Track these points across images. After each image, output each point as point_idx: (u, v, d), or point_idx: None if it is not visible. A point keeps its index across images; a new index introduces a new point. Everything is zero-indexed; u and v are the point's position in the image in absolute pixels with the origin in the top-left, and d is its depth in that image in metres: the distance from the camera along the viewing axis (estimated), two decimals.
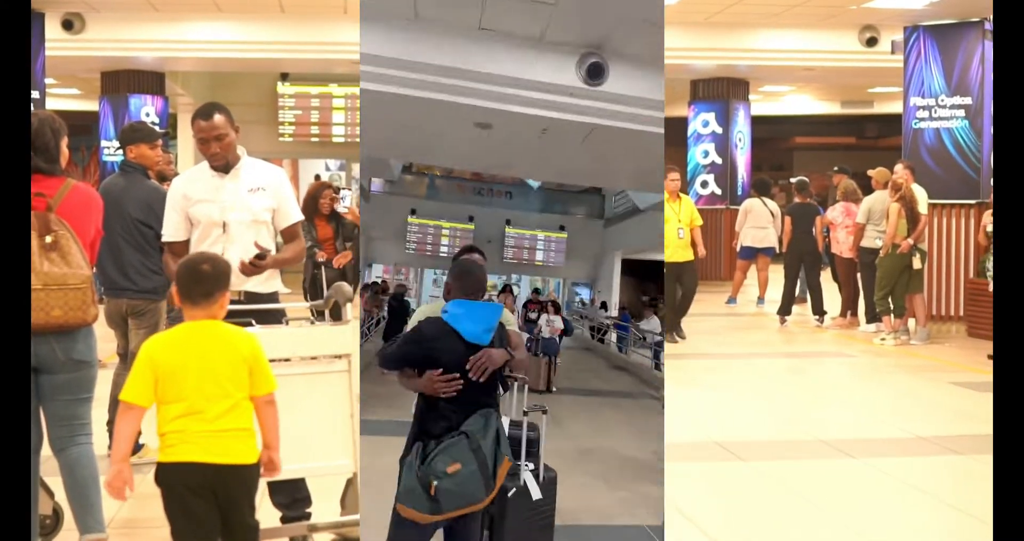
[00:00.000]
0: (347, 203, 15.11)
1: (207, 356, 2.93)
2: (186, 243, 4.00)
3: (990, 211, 8.90)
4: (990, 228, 8.66)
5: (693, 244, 9.27)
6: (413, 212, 19.62)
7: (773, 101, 19.81)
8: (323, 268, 7.62)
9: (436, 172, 19.71)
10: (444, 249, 20.21)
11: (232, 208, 3.91)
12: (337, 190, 7.93)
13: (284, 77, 16.80)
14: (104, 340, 3.93)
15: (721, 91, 15.18)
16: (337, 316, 3.88)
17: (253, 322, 3.56)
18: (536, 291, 18.36)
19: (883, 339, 9.58)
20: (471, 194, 20.40)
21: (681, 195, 9.30)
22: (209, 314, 3.01)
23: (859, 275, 10.53)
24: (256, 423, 3.02)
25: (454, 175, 19.85)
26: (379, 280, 20.53)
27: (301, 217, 4.15)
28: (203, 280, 3.00)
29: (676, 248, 9.02)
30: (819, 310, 10.86)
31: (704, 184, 15.13)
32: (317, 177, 18.64)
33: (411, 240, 19.92)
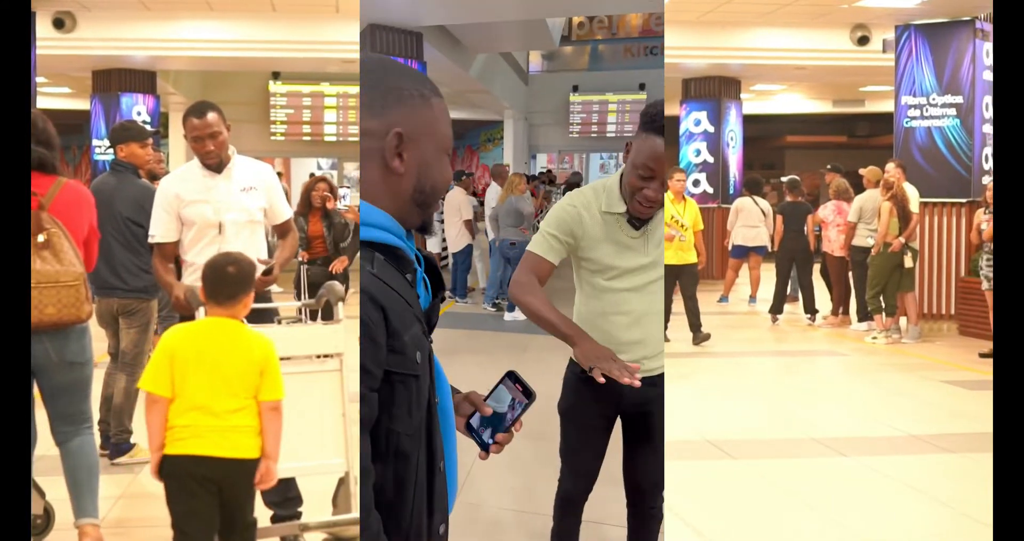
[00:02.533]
0: (347, 202, 15.06)
1: (221, 354, 2.96)
2: (176, 244, 3.99)
3: (982, 210, 8.92)
4: (984, 226, 8.67)
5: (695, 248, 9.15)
6: (575, 89, 17.60)
7: (765, 100, 19.79)
8: (304, 268, 7.59)
9: (598, 36, 17.41)
10: (611, 128, 17.88)
11: (227, 208, 3.90)
12: (332, 188, 7.87)
13: (276, 76, 16.74)
14: (96, 340, 3.92)
15: (713, 90, 15.17)
16: (328, 315, 3.88)
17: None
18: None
19: (875, 338, 9.61)
20: (642, 56, 17.93)
21: (686, 197, 9.18)
22: (231, 314, 3.06)
23: (850, 274, 10.55)
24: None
25: (619, 36, 17.42)
26: (544, 169, 18.53)
27: (291, 213, 4.18)
28: (228, 282, 3.04)
29: (675, 250, 8.94)
30: (811, 309, 10.88)
31: (696, 183, 15.13)
32: (312, 175, 18.59)
33: (574, 122, 17.92)
